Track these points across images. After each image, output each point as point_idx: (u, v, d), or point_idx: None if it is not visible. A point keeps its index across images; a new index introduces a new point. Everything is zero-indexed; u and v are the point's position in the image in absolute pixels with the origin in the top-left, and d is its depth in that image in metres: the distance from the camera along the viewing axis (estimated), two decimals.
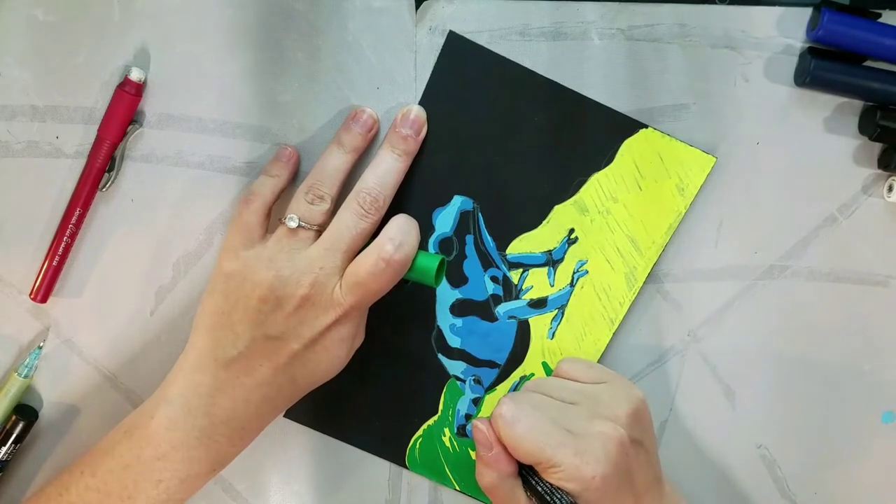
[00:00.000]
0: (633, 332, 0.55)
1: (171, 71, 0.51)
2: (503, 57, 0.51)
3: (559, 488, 0.46)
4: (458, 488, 0.56)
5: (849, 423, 0.56)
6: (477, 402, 0.55)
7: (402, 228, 0.48)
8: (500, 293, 0.54)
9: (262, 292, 0.47)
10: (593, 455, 0.46)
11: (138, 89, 0.51)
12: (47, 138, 0.51)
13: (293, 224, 0.48)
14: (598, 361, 0.54)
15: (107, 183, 0.52)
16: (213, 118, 0.52)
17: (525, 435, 0.46)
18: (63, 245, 0.51)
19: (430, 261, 0.49)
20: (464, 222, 0.53)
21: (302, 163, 0.52)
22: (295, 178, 0.52)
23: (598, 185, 0.53)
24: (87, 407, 0.54)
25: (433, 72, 0.52)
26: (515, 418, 0.47)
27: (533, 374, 0.55)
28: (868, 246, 0.54)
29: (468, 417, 0.55)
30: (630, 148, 0.52)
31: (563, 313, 0.54)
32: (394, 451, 0.55)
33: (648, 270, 0.53)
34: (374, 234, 0.49)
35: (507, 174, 0.53)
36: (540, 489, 0.46)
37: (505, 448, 0.47)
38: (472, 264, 0.54)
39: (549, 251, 0.54)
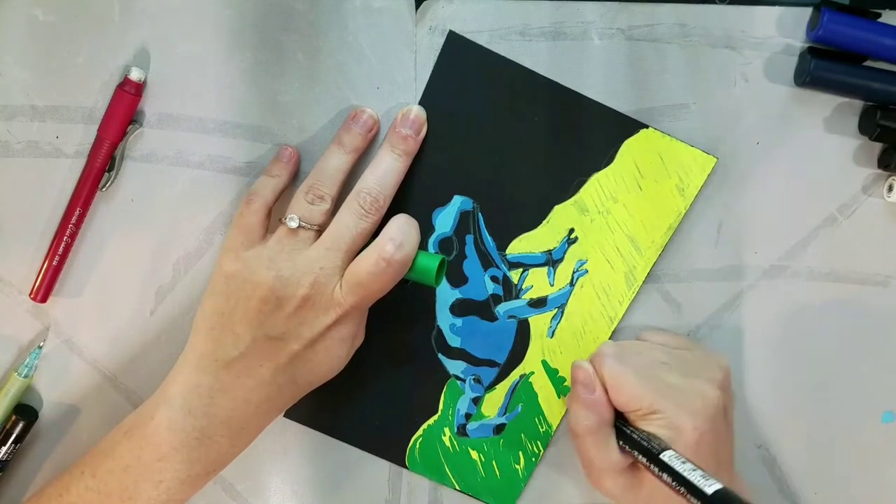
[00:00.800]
0: (632, 332, 0.55)
1: (171, 71, 0.51)
2: (503, 57, 0.51)
3: (655, 436, 0.46)
4: (458, 488, 0.56)
5: (849, 423, 0.56)
6: (477, 402, 0.55)
7: (403, 228, 0.48)
8: (500, 293, 0.54)
9: (262, 293, 0.47)
10: (693, 407, 0.47)
11: (138, 89, 0.51)
12: (47, 138, 0.51)
13: (294, 224, 0.48)
14: None
15: (107, 183, 0.52)
16: (213, 118, 0.52)
17: (633, 376, 0.47)
18: (63, 245, 0.51)
19: (431, 261, 0.49)
20: (464, 222, 0.53)
21: (302, 163, 0.52)
22: (295, 179, 0.52)
23: (598, 185, 0.53)
24: (87, 407, 0.54)
25: (433, 72, 0.52)
26: (623, 359, 0.48)
27: (533, 373, 0.55)
28: (868, 246, 0.54)
29: (468, 417, 0.55)
30: (630, 148, 0.52)
31: (562, 313, 0.54)
32: (394, 450, 0.55)
33: (648, 270, 0.53)
34: (375, 234, 0.49)
35: (507, 174, 0.53)
36: (636, 437, 0.46)
37: (605, 392, 0.48)
38: (472, 264, 0.54)
39: (549, 251, 0.54)
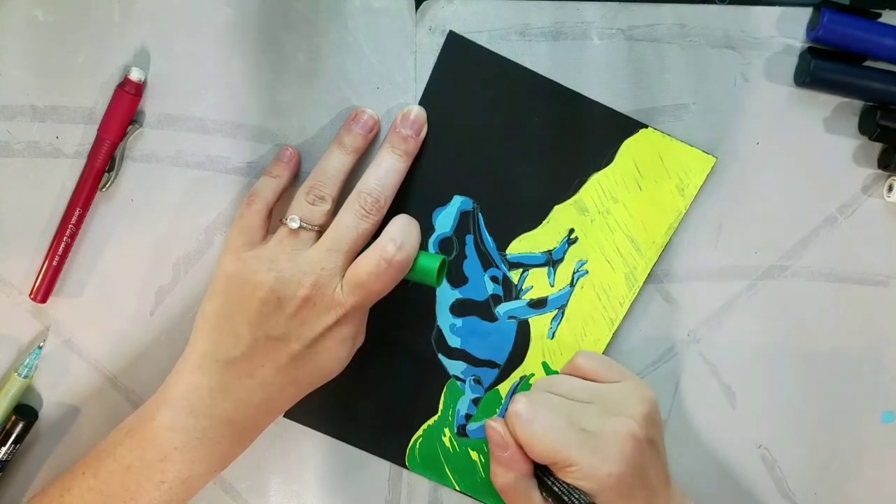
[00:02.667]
0: (633, 333, 0.55)
1: (171, 71, 0.51)
2: (503, 57, 0.51)
3: (576, 488, 0.46)
4: (457, 488, 0.56)
5: (849, 423, 0.56)
6: (477, 402, 0.55)
7: (404, 229, 0.48)
8: (500, 293, 0.54)
9: (263, 293, 0.47)
10: (609, 453, 0.46)
11: (138, 89, 0.51)
12: (47, 138, 0.51)
13: (294, 225, 0.48)
14: None
15: (107, 183, 0.52)
16: (213, 118, 0.52)
17: (542, 433, 0.47)
18: (63, 245, 0.51)
19: (432, 261, 0.49)
20: (464, 222, 0.53)
21: (302, 163, 0.52)
22: (296, 179, 0.52)
23: (598, 185, 0.53)
24: (87, 407, 0.54)
25: (433, 72, 0.52)
26: (532, 417, 0.47)
27: (533, 374, 0.55)
28: (868, 246, 0.54)
29: (468, 417, 0.55)
30: (630, 148, 0.52)
31: (563, 313, 0.54)
32: (394, 451, 0.55)
33: (648, 270, 0.53)
34: (376, 234, 0.49)
35: (507, 174, 0.53)
36: (556, 489, 0.47)
37: (520, 448, 0.48)
38: (472, 264, 0.54)
39: (549, 251, 0.54)
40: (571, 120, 0.52)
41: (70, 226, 0.51)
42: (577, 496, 0.46)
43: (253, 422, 0.48)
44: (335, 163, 0.50)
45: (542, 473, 0.48)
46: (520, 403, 0.48)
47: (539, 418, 0.47)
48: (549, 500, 0.47)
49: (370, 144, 0.52)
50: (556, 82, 0.52)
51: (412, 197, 0.52)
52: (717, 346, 0.55)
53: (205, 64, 0.51)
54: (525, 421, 0.47)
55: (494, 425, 0.49)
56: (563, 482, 0.47)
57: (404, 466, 0.56)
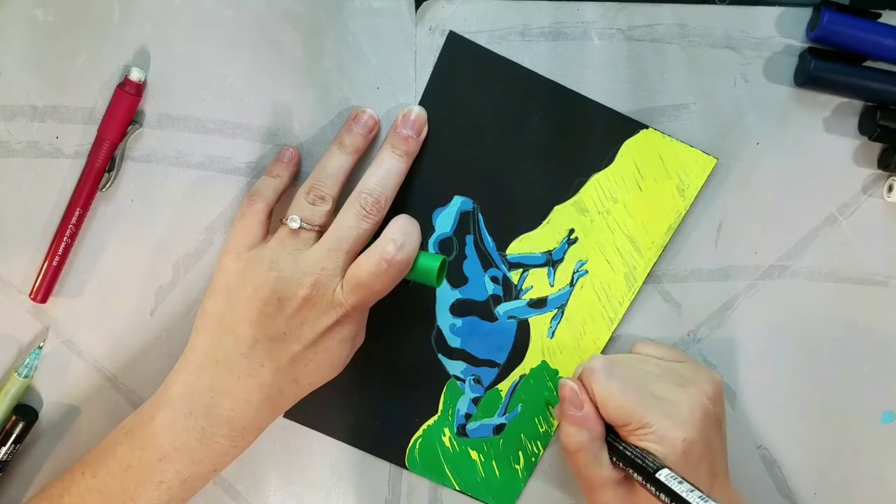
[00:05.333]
0: (632, 333, 0.55)
1: (171, 71, 0.51)
2: (503, 57, 0.51)
3: (648, 452, 0.45)
4: (457, 488, 0.56)
5: (849, 423, 0.56)
6: (477, 402, 0.55)
7: (404, 229, 0.48)
8: (500, 293, 0.54)
9: (263, 293, 0.47)
10: (682, 419, 0.46)
11: (138, 89, 0.51)
12: (47, 138, 0.51)
13: (295, 225, 0.48)
14: None
15: (107, 183, 0.52)
16: (213, 118, 0.52)
17: (620, 391, 0.47)
18: (63, 245, 0.51)
19: (432, 261, 0.49)
20: (464, 222, 0.53)
21: (303, 163, 0.52)
22: (296, 179, 0.52)
23: (598, 186, 0.53)
24: (87, 407, 0.54)
25: (433, 72, 0.52)
26: (610, 373, 0.48)
27: (533, 374, 0.55)
28: (868, 246, 0.54)
29: (468, 417, 0.55)
30: (630, 148, 0.52)
31: (562, 313, 0.54)
32: (394, 451, 0.55)
33: (648, 270, 0.53)
34: (376, 234, 0.49)
35: (507, 174, 0.53)
36: (629, 453, 0.46)
37: (595, 407, 0.48)
38: (472, 264, 0.54)
39: (549, 251, 0.54)
40: (571, 120, 0.52)
41: (70, 226, 0.51)
42: (650, 460, 0.45)
43: (253, 422, 0.48)
44: (335, 163, 0.50)
45: (611, 438, 0.48)
46: (598, 360, 0.48)
47: (617, 376, 0.47)
48: (619, 464, 0.47)
49: (370, 144, 0.52)
50: (556, 82, 0.52)
51: (412, 197, 0.52)
52: (717, 346, 0.55)
53: (205, 64, 0.51)
54: (604, 377, 0.47)
55: (570, 383, 0.49)
56: (635, 446, 0.46)
57: (404, 466, 0.56)
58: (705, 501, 0.40)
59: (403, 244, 0.47)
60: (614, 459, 0.47)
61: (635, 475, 0.45)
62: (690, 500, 0.41)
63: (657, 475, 0.43)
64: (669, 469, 0.44)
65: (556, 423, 0.55)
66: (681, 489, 0.42)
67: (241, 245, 0.49)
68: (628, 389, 0.47)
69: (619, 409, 0.47)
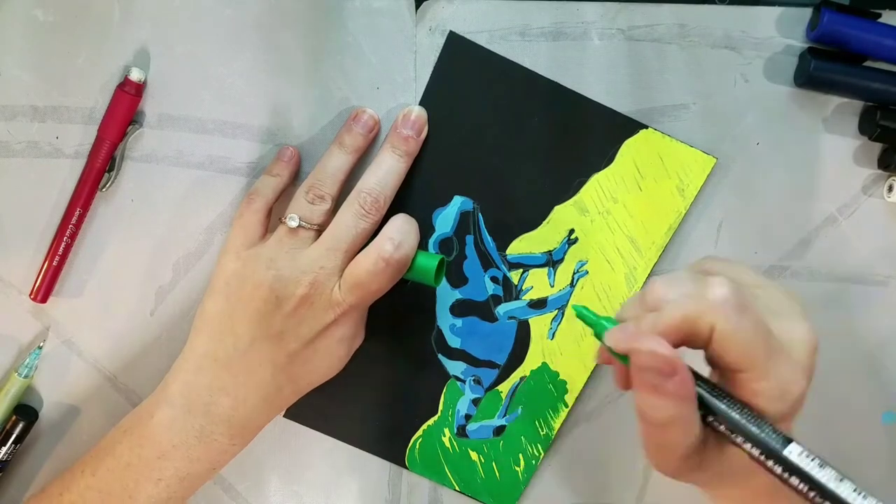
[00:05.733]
0: None
1: (171, 71, 0.51)
2: (503, 57, 0.51)
3: (761, 414, 0.35)
4: (457, 488, 0.56)
5: (849, 423, 0.56)
6: (477, 403, 0.55)
7: (402, 228, 0.48)
8: (500, 293, 0.54)
9: (262, 292, 0.47)
10: (802, 364, 0.36)
11: (138, 89, 0.51)
12: (47, 138, 0.51)
13: (294, 224, 0.48)
14: None
15: (107, 183, 0.52)
16: (213, 118, 0.52)
17: (752, 333, 0.35)
18: (63, 245, 0.51)
19: (430, 260, 0.49)
20: (464, 222, 0.53)
21: (302, 163, 0.52)
22: (296, 178, 0.52)
23: (598, 186, 0.53)
24: (87, 407, 0.54)
25: (433, 72, 0.52)
26: (744, 308, 0.35)
27: (533, 375, 0.54)
28: (868, 246, 0.54)
29: (468, 418, 0.55)
30: (630, 148, 0.52)
31: (563, 314, 0.54)
32: (394, 451, 0.55)
33: (648, 271, 0.53)
34: (375, 234, 0.49)
35: (507, 174, 0.53)
36: (736, 415, 0.35)
37: (688, 369, 0.35)
38: (472, 264, 0.54)
39: (549, 251, 0.54)
40: (571, 120, 0.52)
41: (70, 226, 0.51)
42: (769, 429, 0.34)
43: (252, 420, 0.48)
44: (335, 162, 0.50)
45: (704, 388, 0.36)
46: (724, 286, 0.35)
47: (751, 311, 0.35)
48: (722, 429, 0.35)
49: (370, 144, 0.52)
50: (556, 82, 0.52)
51: (412, 197, 0.52)
52: None
53: (205, 64, 0.51)
54: (736, 313, 0.34)
55: (658, 346, 0.34)
56: (740, 402, 0.35)
57: (404, 466, 0.56)
58: (864, 498, 0.32)
59: (401, 243, 0.47)
60: (713, 422, 0.36)
61: (746, 446, 0.35)
62: (843, 495, 0.32)
63: (786, 453, 0.34)
64: (798, 444, 0.34)
65: (561, 418, 0.54)
66: (824, 476, 0.33)
67: (240, 244, 0.49)
68: (760, 329, 0.35)
69: (744, 355, 0.35)
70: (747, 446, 0.35)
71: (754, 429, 0.35)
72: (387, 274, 0.47)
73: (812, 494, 0.33)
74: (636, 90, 0.52)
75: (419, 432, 0.55)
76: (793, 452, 0.34)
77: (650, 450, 0.38)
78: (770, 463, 0.34)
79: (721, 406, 0.36)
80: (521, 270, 0.54)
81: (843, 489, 0.32)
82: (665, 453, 0.37)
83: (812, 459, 0.34)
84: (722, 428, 0.36)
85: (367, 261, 0.47)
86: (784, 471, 0.34)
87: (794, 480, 0.34)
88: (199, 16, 0.51)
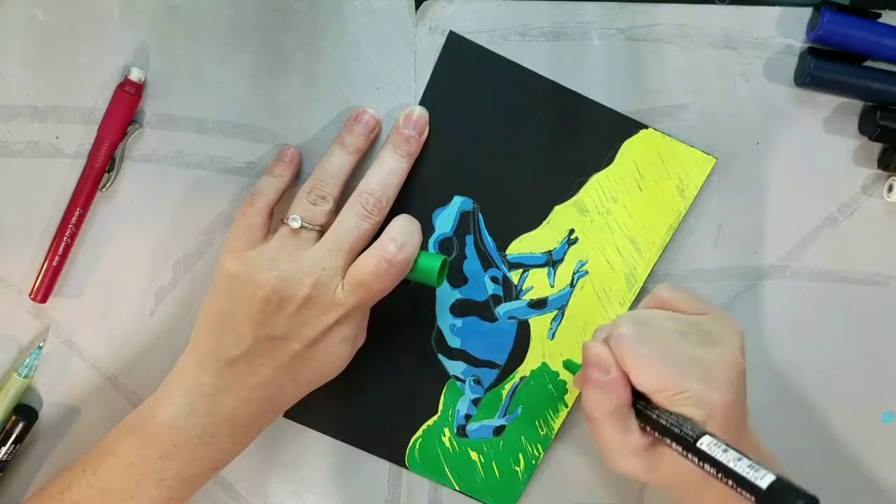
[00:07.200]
0: None
1: (171, 71, 0.51)
2: (503, 57, 0.51)
3: (686, 417, 0.42)
4: (457, 488, 0.56)
5: (849, 423, 0.56)
6: (477, 403, 0.55)
7: (405, 229, 0.48)
8: (500, 293, 0.54)
9: (264, 293, 0.47)
10: (719, 380, 0.43)
11: (138, 89, 0.51)
12: (47, 138, 0.51)
13: (296, 224, 0.48)
14: None
15: (107, 183, 0.52)
16: (213, 118, 0.52)
17: (652, 356, 0.44)
18: (63, 245, 0.51)
19: (433, 261, 0.49)
20: (464, 222, 0.53)
21: (303, 163, 0.52)
22: (297, 179, 0.52)
23: (598, 186, 0.53)
24: (87, 407, 0.54)
25: (433, 72, 0.52)
26: (642, 339, 0.44)
27: (533, 375, 0.54)
28: (868, 246, 0.54)
29: (468, 418, 0.55)
30: (630, 148, 0.52)
31: (563, 314, 0.54)
32: (394, 451, 0.55)
33: (649, 271, 0.53)
34: (377, 234, 0.49)
35: (507, 174, 0.53)
36: (664, 420, 0.42)
37: (622, 372, 0.44)
38: (472, 264, 0.54)
39: (549, 251, 0.54)
40: (571, 120, 0.52)
41: (70, 226, 0.51)
42: (688, 427, 0.41)
43: (253, 420, 0.48)
44: (337, 162, 0.50)
45: (642, 405, 0.44)
46: (626, 325, 0.45)
47: (649, 341, 0.44)
48: (653, 432, 0.43)
49: (371, 145, 0.52)
50: (556, 82, 0.52)
51: (412, 197, 0.52)
52: None
53: (205, 64, 0.51)
54: (634, 343, 0.44)
55: (596, 345, 0.45)
56: (669, 412, 0.43)
57: (404, 466, 0.56)
58: (757, 470, 0.37)
59: (404, 244, 0.47)
60: (646, 428, 0.44)
61: (673, 445, 0.42)
62: (740, 471, 0.37)
63: (698, 444, 0.40)
64: (711, 436, 0.40)
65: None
66: (726, 458, 0.38)
67: (241, 245, 0.48)
68: (662, 355, 0.44)
69: (653, 376, 0.43)
70: (674, 445, 0.41)
71: (675, 430, 0.41)
72: (390, 275, 0.47)
73: (720, 475, 0.38)
74: (636, 90, 0.52)
75: (419, 432, 0.55)
76: (703, 443, 0.39)
77: (600, 449, 0.46)
78: (689, 455, 0.40)
79: (651, 415, 0.43)
80: (521, 270, 0.54)
81: (739, 466, 0.37)
82: (610, 452, 0.45)
83: (720, 448, 0.39)
84: (656, 434, 0.43)
85: (370, 262, 0.47)
86: (700, 460, 0.39)
87: (708, 467, 0.39)
88: (199, 16, 0.51)
